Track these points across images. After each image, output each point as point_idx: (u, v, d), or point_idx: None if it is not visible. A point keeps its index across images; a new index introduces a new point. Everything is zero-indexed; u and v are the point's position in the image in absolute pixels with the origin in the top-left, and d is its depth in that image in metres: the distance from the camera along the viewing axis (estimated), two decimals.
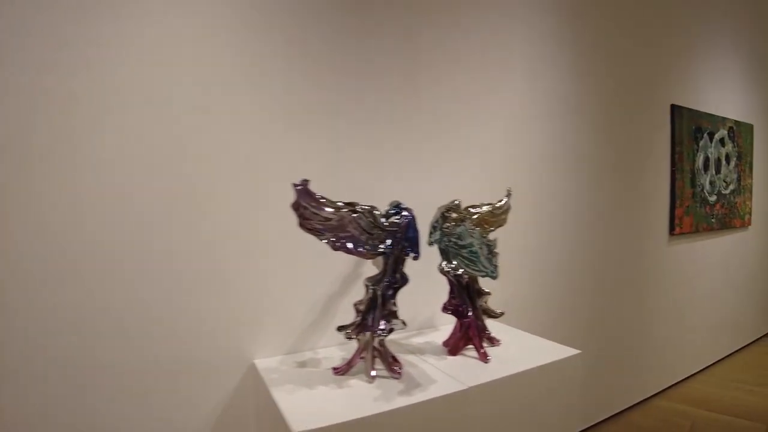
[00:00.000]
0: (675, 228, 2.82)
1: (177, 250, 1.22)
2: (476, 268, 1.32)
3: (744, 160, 3.51)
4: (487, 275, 1.28)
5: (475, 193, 1.69)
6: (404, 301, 1.33)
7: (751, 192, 3.61)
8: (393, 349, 1.34)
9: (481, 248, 1.30)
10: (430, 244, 1.43)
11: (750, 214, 3.62)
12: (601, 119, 2.34)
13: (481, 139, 1.85)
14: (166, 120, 1.20)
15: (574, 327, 2.28)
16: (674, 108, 2.80)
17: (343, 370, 1.26)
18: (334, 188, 1.39)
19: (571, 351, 1.40)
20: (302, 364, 1.33)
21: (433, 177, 1.70)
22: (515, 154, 1.97)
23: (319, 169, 1.44)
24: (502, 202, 1.62)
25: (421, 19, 1.66)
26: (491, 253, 1.28)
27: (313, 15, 1.44)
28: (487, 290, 1.49)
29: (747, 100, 3.61)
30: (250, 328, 1.34)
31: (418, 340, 1.59)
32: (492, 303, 1.52)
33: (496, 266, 1.27)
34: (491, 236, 1.33)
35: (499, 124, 1.91)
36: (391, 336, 1.29)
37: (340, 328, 1.27)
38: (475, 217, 1.54)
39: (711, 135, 3.12)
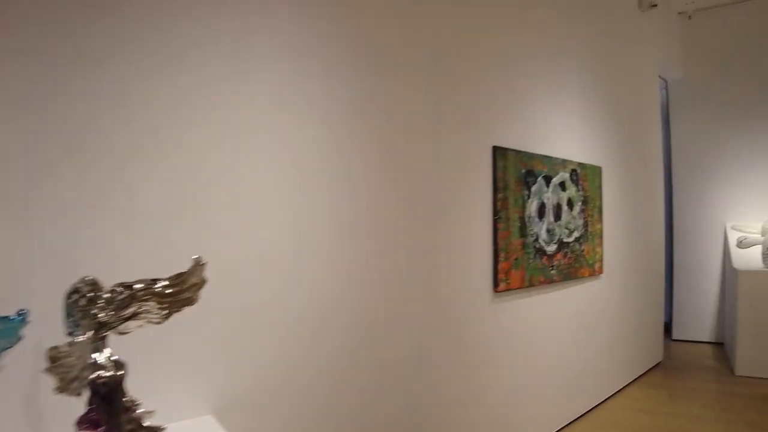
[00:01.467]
0: (499, 284, 2.49)
1: None
2: None
3: (591, 205, 3.29)
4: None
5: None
6: None
7: (601, 238, 3.39)
8: None
9: None
10: None
11: (601, 261, 3.40)
12: (397, 166, 1.98)
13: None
14: None
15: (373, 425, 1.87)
16: (497, 150, 2.51)
17: None
18: None
19: None
20: None
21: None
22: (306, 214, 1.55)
23: None
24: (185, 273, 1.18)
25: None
26: None
27: None
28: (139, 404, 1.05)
29: (594, 142, 3.42)
30: None
31: None
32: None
33: None
34: None
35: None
36: None
37: None
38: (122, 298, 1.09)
39: (548, 179, 2.86)
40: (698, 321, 5.44)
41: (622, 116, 3.95)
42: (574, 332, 3.12)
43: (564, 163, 3.02)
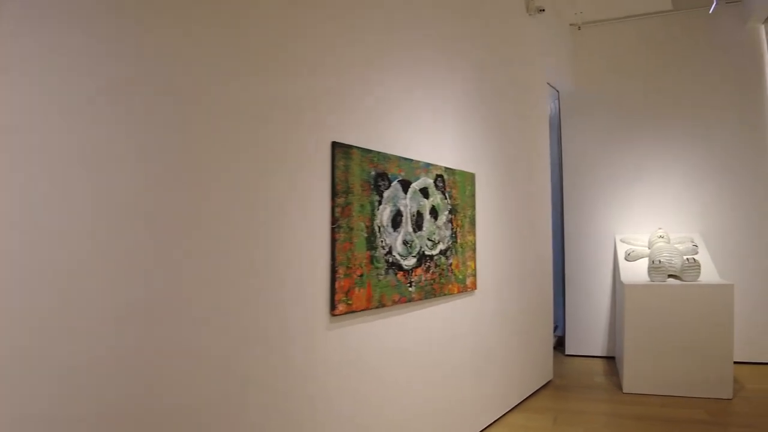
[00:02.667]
0: (337, 306, 2.10)
1: None
2: None
3: (461, 214, 2.99)
4: None
5: None
6: None
7: (474, 251, 3.10)
8: None
9: None
10: None
11: (474, 276, 3.10)
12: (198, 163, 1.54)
13: None
14: None
15: None
16: (337, 147, 2.14)
17: None
18: None
19: None
20: None
21: None
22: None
23: None
24: None
25: None
26: None
27: None
28: None
29: (469, 147, 3.14)
30: None
31: None
32: None
33: None
34: None
35: None
36: None
37: None
38: None
39: (405, 183, 2.52)
40: (591, 335, 5.33)
41: (505, 122, 3.72)
42: (440, 357, 2.79)
43: (428, 167, 2.70)
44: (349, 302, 2.16)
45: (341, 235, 2.13)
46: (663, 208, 5.11)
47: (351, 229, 2.17)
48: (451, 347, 2.88)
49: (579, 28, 5.43)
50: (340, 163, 2.15)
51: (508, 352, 3.62)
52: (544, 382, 4.32)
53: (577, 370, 4.89)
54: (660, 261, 4.05)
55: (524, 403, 3.86)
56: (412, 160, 2.58)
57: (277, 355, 1.86)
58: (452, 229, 2.88)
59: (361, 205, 2.24)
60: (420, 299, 2.59)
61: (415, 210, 2.57)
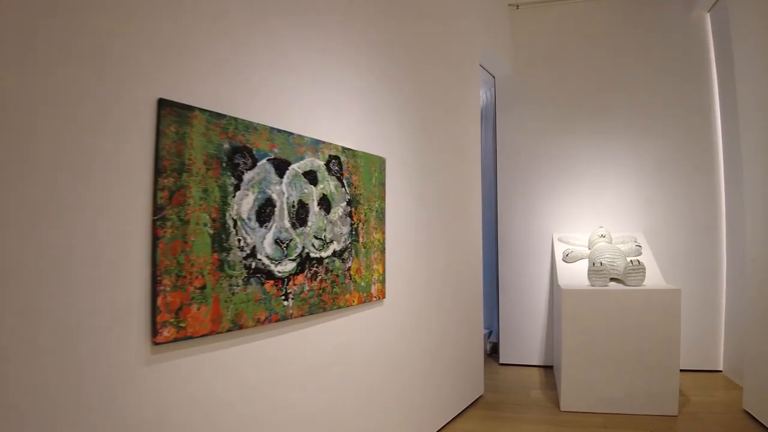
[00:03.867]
0: (160, 331, 1.47)
1: None
2: None
3: (366, 206, 2.41)
4: None
5: None
6: None
7: (382, 252, 2.53)
8: None
9: None
10: None
11: (382, 282, 2.52)
12: None
13: None
14: None
15: None
16: (165, 106, 1.50)
17: None
18: None
19: None
20: None
21: None
22: None
23: None
24: None
25: None
26: None
27: None
28: None
29: (376, 124, 2.56)
30: None
31: None
32: None
33: None
34: None
35: None
36: None
37: None
38: None
39: (281, 164, 1.91)
40: (527, 343, 4.88)
41: (430, 102, 3.17)
42: (335, 388, 2.19)
43: (318, 145, 2.10)
44: (182, 325, 1.53)
45: (168, 231, 1.49)
46: (604, 204, 4.70)
47: (185, 222, 1.55)
48: (350, 374, 2.29)
49: (517, 7, 4.96)
50: (170, 130, 1.51)
51: (429, 369, 3.07)
52: (474, 399, 3.81)
53: (512, 382, 4.41)
54: (601, 263, 3.60)
55: (449, 426, 3.33)
56: (291, 133, 1.97)
57: (66, 407, 1.22)
58: (352, 224, 2.30)
59: (205, 190, 1.61)
60: (302, 315, 1.99)
61: (295, 199, 1.97)
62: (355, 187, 2.33)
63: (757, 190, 3.39)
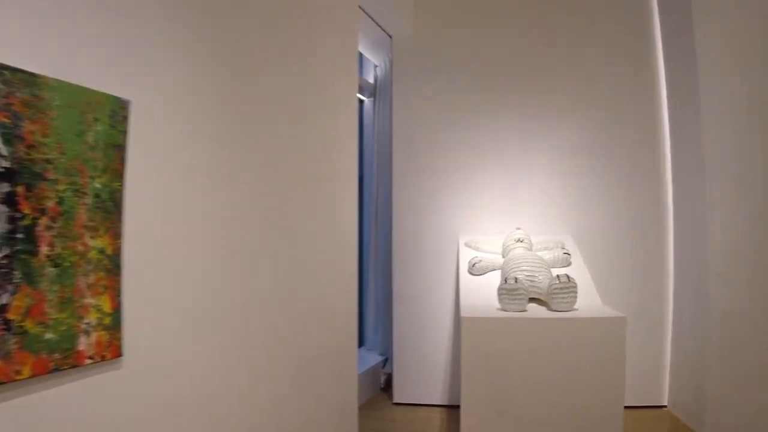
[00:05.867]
0: None
1: None
2: None
3: (65, 186, 1.21)
4: None
5: None
6: None
7: (113, 270, 1.33)
8: None
9: None
10: None
11: (114, 327, 1.33)
12: None
13: None
14: None
15: None
16: None
17: None
18: None
19: None
20: None
21: None
22: None
23: None
24: None
25: None
26: None
27: None
28: None
29: (111, 38, 1.36)
30: None
31: None
32: None
33: None
34: None
35: None
36: None
37: None
38: None
39: None
40: (428, 377, 3.83)
41: (255, 31, 2.02)
42: None
43: None
44: None
45: None
46: (523, 201, 3.74)
47: None
48: None
49: None
50: None
51: None
52: None
53: (406, 430, 3.35)
54: (516, 279, 2.59)
55: None
56: None
57: None
58: (15, 218, 1.10)
59: None
60: None
61: None
62: (34, 147, 1.14)
63: (727, 191, 2.53)
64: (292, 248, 2.19)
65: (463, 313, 2.55)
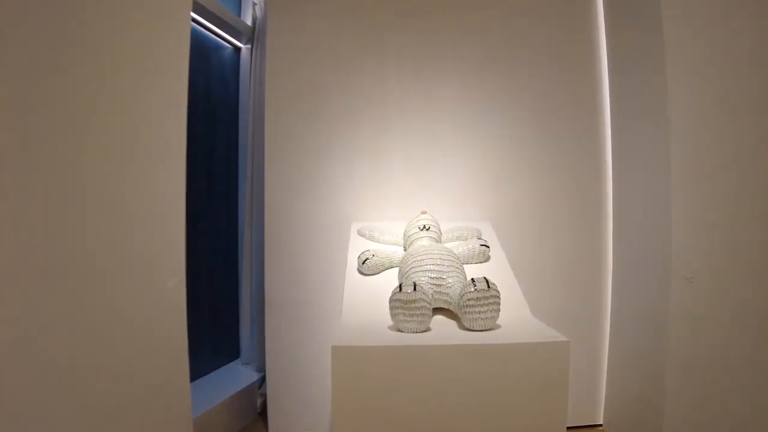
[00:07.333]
0: None
1: None
2: None
3: None
4: None
5: None
6: None
7: None
8: None
9: None
10: None
11: None
12: None
13: None
14: None
15: None
16: None
17: None
18: None
19: None
20: None
21: None
22: None
23: None
24: None
25: None
26: None
27: None
28: None
29: None
30: None
31: None
32: None
33: None
34: None
35: None
36: None
37: None
38: None
39: None
40: (310, 402, 2.98)
41: None
42: None
43: None
44: None
45: None
46: (429, 177, 2.96)
47: None
48: None
49: None
50: None
51: None
52: None
53: None
54: (415, 285, 1.78)
55: None
56: None
57: None
58: None
59: None
60: None
61: None
62: None
63: (689, 179, 1.88)
64: (79, 245, 1.24)
65: (336, 337, 1.71)
